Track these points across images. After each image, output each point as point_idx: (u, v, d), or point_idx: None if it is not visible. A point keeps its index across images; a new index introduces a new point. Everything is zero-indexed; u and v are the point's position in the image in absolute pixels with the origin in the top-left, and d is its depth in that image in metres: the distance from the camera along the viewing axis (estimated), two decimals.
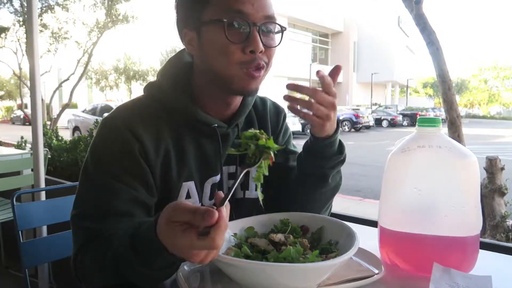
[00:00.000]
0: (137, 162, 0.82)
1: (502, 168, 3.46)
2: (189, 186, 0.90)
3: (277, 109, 1.11)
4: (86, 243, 0.80)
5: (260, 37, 0.81)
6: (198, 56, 0.88)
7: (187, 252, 0.58)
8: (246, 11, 0.80)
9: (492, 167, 3.42)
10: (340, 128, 0.91)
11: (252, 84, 0.84)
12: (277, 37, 0.87)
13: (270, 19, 0.83)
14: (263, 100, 1.08)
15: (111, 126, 0.85)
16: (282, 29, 0.87)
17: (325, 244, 0.81)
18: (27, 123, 19.83)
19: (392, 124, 27.05)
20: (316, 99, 0.80)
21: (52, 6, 10.02)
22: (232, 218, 0.94)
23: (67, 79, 10.56)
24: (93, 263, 0.77)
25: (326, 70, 0.84)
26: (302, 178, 0.96)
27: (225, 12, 0.80)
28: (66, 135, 4.36)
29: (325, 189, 0.96)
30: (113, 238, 0.75)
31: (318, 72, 0.79)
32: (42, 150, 2.26)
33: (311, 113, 0.81)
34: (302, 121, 20.72)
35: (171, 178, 0.87)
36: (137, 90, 23.80)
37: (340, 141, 0.92)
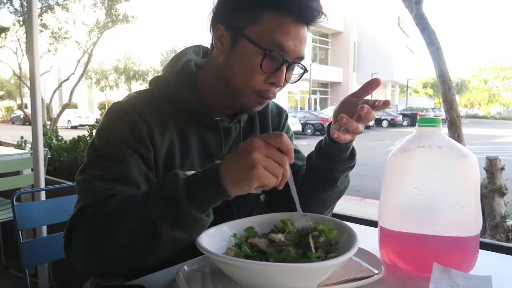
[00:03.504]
0: (142, 141, 0.83)
1: (502, 168, 3.46)
2: None
3: (279, 110, 1.12)
4: (97, 200, 0.77)
5: (285, 73, 0.85)
6: (221, 56, 0.88)
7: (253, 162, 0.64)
8: (287, 48, 0.82)
9: (492, 167, 3.42)
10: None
11: (255, 108, 0.91)
12: (297, 75, 0.91)
13: (301, 60, 0.87)
14: None
15: (120, 109, 0.87)
16: (304, 71, 0.91)
17: (325, 244, 0.81)
18: (27, 123, 19.83)
19: (392, 124, 27.04)
20: (362, 121, 0.82)
21: (52, 6, 10.02)
22: (232, 213, 0.94)
23: (67, 79, 10.57)
24: (109, 219, 0.73)
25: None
26: (311, 178, 0.96)
27: (269, 42, 0.81)
28: (66, 135, 4.36)
29: (333, 191, 0.97)
30: (134, 196, 0.75)
31: (363, 108, 0.80)
32: (42, 150, 2.26)
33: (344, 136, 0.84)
34: (302, 121, 20.75)
35: (174, 168, 0.87)
36: (137, 90, 23.74)
37: (352, 147, 0.93)
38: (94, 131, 3.48)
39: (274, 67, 0.83)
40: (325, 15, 0.85)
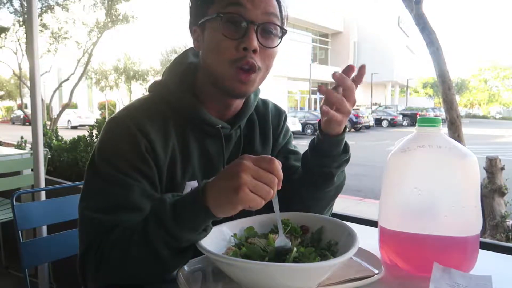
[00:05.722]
0: (143, 158, 0.82)
1: (502, 168, 3.46)
2: (192, 185, 0.90)
3: (278, 111, 1.12)
4: (100, 235, 0.77)
5: (257, 36, 0.81)
6: (201, 52, 0.89)
7: (241, 180, 0.63)
8: (244, 4, 0.80)
9: (492, 167, 3.42)
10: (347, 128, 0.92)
11: (241, 87, 0.84)
12: (277, 39, 0.86)
13: (270, 16, 0.83)
14: (264, 102, 1.09)
15: (118, 124, 0.84)
16: (283, 32, 0.87)
17: (325, 244, 0.81)
18: (27, 123, 19.83)
19: (392, 124, 27.06)
20: (345, 94, 0.80)
21: (52, 6, 10.01)
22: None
23: (67, 79, 10.56)
24: (114, 250, 0.74)
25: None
26: (308, 177, 0.96)
27: (224, 6, 0.81)
28: (66, 135, 4.36)
29: (330, 188, 0.96)
30: (135, 224, 0.75)
31: (334, 74, 0.80)
32: (42, 150, 2.26)
33: (333, 110, 0.81)
34: (302, 121, 20.75)
35: (176, 177, 0.88)
36: (137, 90, 23.78)
37: (345, 141, 0.92)
38: (94, 131, 3.48)
39: (240, 31, 0.80)
40: None
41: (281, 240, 0.78)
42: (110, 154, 0.82)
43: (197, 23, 0.87)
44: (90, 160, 0.85)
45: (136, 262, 0.74)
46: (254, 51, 0.81)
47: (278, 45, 0.86)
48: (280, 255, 0.74)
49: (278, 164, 0.67)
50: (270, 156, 0.67)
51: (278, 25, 0.85)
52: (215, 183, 0.68)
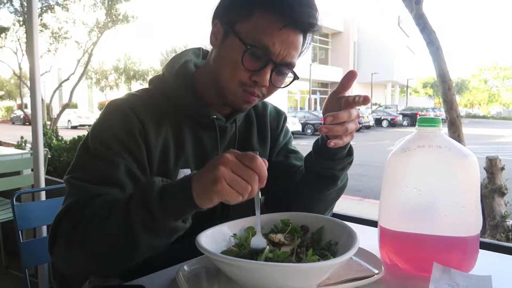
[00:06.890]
0: (135, 140, 0.84)
1: (502, 168, 3.46)
2: (186, 173, 0.92)
3: (278, 113, 1.14)
4: (82, 199, 0.78)
5: (271, 75, 0.84)
6: (214, 51, 0.90)
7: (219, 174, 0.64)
8: (272, 50, 0.82)
9: (492, 167, 3.42)
10: None
11: (242, 106, 0.91)
12: (287, 79, 0.91)
13: (289, 65, 0.86)
14: (264, 104, 1.11)
15: (116, 107, 0.88)
16: (295, 78, 0.91)
17: (325, 244, 0.81)
18: (27, 123, 19.83)
19: (392, 124, 27.06)
20: (351, 119, 0.81)
21: (52, 6, 10.02)
22: (230, 214, 0.94)
23: (67, 79, 10.56)
24: (95, 217, 0.74)
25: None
26: (311, 178, 0.96)
27: (254, 40, 0.82)
28: (66, 135, 4.37)
29: (333, 190, 0.97)
30: (118, 197, 0.76)
31: (342, 97, 0.83)
32: (42, 150, 2.26)
33: (342, 140, 0.83)
34: (302, 121, 20.76)
35: (169, 163, 0.90)
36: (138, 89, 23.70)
37: (349, 143, 0.93)
38: None
39: (257, 66, 0.83)
40: (319, 25, 0.86)
41: (257, 240, 0.77)
42: (103, 133, 0.85)
43: (222, 21, 0.87)
44: (84, 139, 0.87)
45: (109, 233, 0.72)
46: (264, 85, 0.86)
47: (286, 86, 0.91)
48: (253, 255, 0.74)
49: (261, 162, 0.66)
50: (253, 153, 0.67)
51: (293, 72, 0.89)
52: (199, 173, 0.69)
